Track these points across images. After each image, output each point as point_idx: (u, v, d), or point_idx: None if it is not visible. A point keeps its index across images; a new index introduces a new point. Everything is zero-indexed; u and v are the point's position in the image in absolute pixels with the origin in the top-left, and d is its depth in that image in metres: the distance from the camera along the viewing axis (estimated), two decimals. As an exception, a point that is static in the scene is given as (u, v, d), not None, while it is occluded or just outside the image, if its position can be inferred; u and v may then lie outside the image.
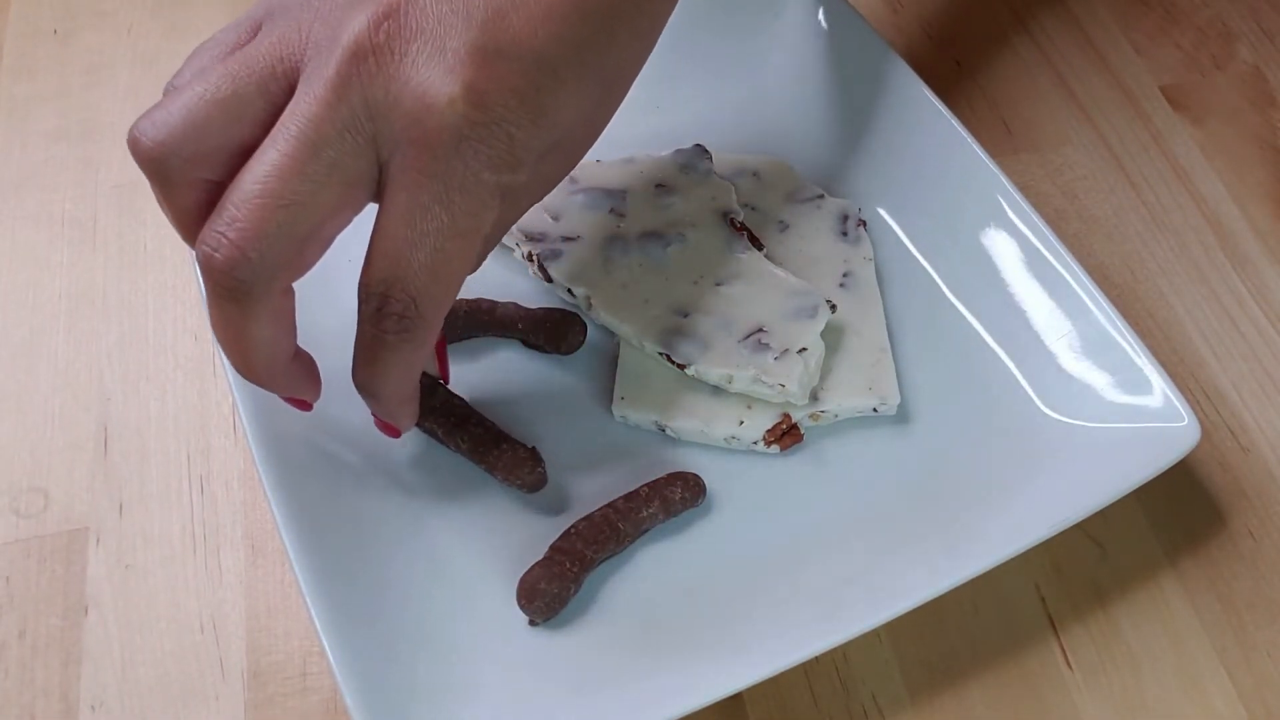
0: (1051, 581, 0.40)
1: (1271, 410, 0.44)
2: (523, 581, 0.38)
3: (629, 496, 0.39)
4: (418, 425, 0.40)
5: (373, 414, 0.38)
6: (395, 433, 0.39)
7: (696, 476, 0.40)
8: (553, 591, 0.37)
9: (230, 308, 0.32)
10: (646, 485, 0.39)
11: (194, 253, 0.32)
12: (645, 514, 0.39)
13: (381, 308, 0.33)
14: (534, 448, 0.40)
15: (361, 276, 0.33)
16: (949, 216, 0.45)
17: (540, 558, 0.38)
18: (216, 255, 0.31)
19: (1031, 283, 0.43)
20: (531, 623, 0.38)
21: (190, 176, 0.32)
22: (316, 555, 0.37)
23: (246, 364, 0.34)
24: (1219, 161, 0.51)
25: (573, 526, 0.39)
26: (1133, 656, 0.39)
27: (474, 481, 0.41)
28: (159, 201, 0.33)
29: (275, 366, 0.34)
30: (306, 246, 0.32)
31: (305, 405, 0.38)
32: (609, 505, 0.39)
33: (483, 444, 0.40)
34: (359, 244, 0.46)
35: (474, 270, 0.35)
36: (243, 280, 0.31)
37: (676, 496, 0.39)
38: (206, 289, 0.32)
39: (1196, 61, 0.54)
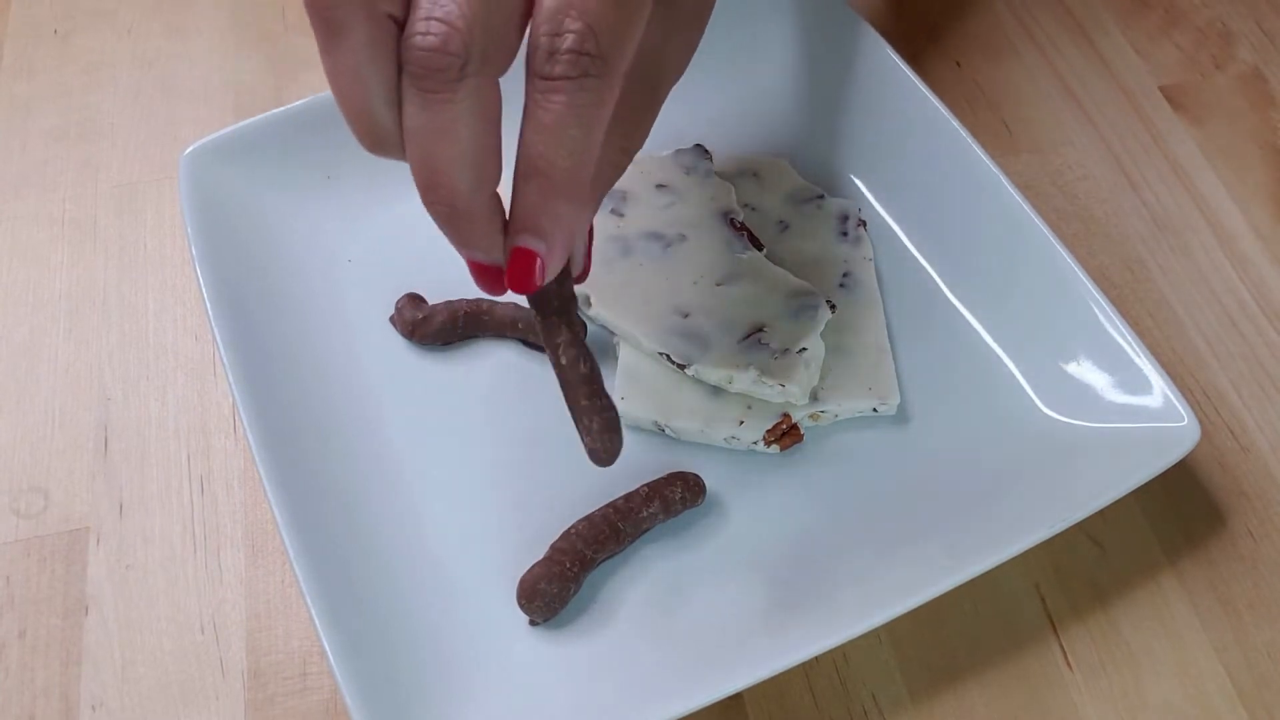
0: (1051, 581, 0.40)
1: (1271, 410, 0.44)
2: (523, 581, 0.38)
3: (629, 496, 0.39)
4: (540, 310, 0.34)
5: (504, 259, 0.31)
6: (529, 281, 0.31)
7: (696, 476, 0.40)
8: (553, 591, 0.37)
9: (440, 100, 0.28)
10: (646, 485, 0.40)
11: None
12: (645, 514, 0.39)
13: (553, 49, 0.28)
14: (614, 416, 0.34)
15: (531, 27, 0.28)
16: (949, 217, 0.45)
17: (540, 558, 0.38)
18: (428, 37, 0.27)
19: (1031, 283, 0.43)
20: (532, 623, 0.38)
21: (377, 10, 0.28)
22: (316, 555, 0.37)
23: (449, 177, 0.29)
24: (1219, 162, 0.51)
25: (573, 526, 0.39)
26: (1132, 656, 0.39)
27: (474, 481, 0.41)
28: (331, 66, 0.29)
29: (482, 186, 0.30)
30: (510, 31, 0.29)
31: (497, 280, 0.32)
32: (609, 505, 0.39)
33: (575, 380, 0.34)
34: (360, 245, 0.46)
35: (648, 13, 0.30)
36: (456, 56, 0.27)
37: (676, 496, 0.39)
38: (408, 94, 0.28)
39: (1196, 62, 0.54)
